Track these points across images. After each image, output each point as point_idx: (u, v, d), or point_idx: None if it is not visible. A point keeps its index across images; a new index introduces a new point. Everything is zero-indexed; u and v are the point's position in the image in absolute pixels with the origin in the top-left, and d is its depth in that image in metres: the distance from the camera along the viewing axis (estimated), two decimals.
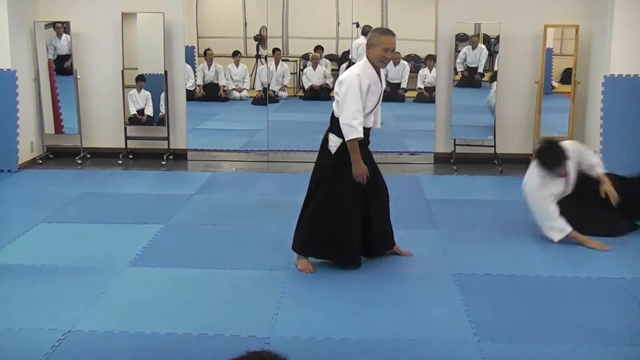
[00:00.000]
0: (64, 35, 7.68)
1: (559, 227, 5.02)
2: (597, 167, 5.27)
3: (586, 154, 5.29)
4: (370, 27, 8.87)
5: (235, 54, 9.85)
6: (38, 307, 3.96)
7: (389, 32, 4.37)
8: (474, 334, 3.65)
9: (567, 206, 5.10)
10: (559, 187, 5.13)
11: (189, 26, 8.76)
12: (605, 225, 5.22)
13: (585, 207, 5.19)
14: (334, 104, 4.40)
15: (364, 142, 4.41)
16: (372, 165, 4.52)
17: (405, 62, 8.63)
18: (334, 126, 4.38)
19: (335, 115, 4.37)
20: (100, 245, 5.01)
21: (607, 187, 5.16)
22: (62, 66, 7.76)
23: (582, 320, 3.83)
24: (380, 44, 4.30)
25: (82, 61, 7.73)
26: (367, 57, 4.35)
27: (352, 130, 4.24)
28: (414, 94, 8.56)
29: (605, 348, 3.53)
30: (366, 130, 4.43)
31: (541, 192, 5.09)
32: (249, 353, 1.50)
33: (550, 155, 5.07)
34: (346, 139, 4.27)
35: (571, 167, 5.17)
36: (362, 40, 8.85)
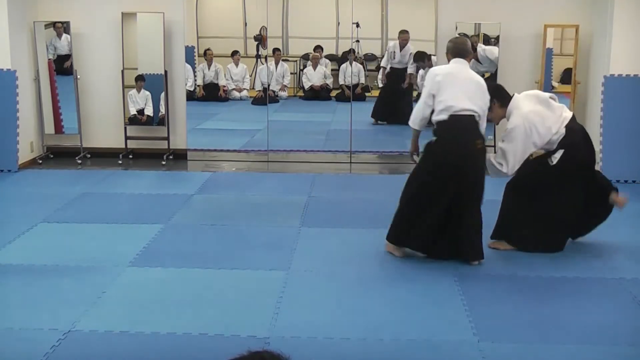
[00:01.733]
0: (64, 35, 7.68)
1: None
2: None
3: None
4: (406, 31, 8.93)
5: (235, 53, 9.86)
6: (38, 307, 3.96)
7: None
8: (474, 334, 3.65)
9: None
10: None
11: (189, 26, 8.77)
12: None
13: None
14: (482, 111, 4.67)
15: None
16: None
17: None
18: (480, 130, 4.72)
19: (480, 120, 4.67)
20: (100, 245, 5.01)
21: None
22: (62, 66, 7.76)
23: (582, 320, 3.84)
24: None
25: (82, 61, 7.72)
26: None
27: None
28: (414, 93, 8.57)
29: (605, 348, 3.53)
30: None
31: None
32: (249, 353, 1.50)
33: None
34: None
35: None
36: (392, 43, 8.87)
